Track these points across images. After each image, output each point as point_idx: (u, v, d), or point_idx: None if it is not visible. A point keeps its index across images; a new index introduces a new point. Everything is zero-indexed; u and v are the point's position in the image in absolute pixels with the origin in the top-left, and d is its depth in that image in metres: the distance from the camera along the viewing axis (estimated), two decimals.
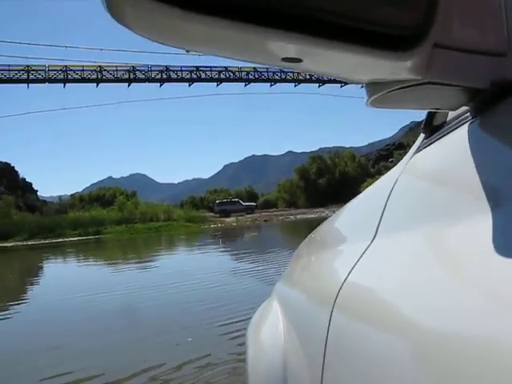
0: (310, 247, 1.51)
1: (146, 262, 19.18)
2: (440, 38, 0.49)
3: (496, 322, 0.38)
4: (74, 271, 18.45)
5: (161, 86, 58.46)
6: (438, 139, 0.78)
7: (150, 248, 27.74)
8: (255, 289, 9.88)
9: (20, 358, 6.26)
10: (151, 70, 57.12)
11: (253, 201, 68.87)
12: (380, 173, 60.29)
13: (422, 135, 0.92)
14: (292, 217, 47.58)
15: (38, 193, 77.22)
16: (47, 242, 36.48)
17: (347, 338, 0.71)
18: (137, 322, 8.27)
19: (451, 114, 0.75)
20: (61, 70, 53.43)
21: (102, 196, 63.83)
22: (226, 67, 58.77)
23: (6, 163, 73.72)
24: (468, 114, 0.63)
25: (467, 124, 0.62)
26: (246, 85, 61.93)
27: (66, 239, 38.10)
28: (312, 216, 44.62)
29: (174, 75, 58.28)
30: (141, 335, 7.01)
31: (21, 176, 74.27)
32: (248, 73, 60.03)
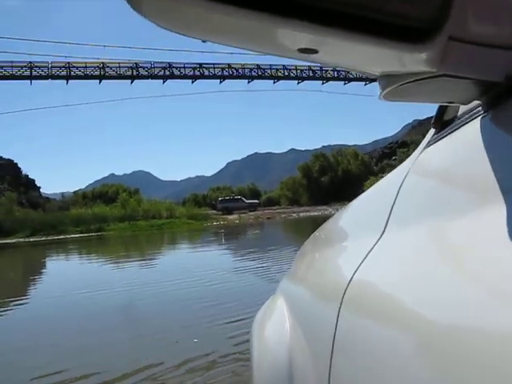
0: (316, 244, 1.50)
1: (147, 259, 19.15)
2: (455, 30, 0.49)
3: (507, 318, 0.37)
4: (76, 268, 18.44)
5: (164, 82, 58.38)
6: (448, 134, 0.77)
7: (152, 245, 27.76)
8: (256, 287, 9.85)
9: (15, 356, 6.21)
10: (154, 67, 56.86)
11: (255, 198, 68.76)
12: (383, 171, 60.19)
13: (433, 130, 0.91)
14: (295, 214, 47.52)
15: (41, 189, 77.05)
16: (49, 238, 36.46)
17: (356, 335, 0.70)
18: (136, 319, 8.21)
19: (462, 109, 0.75)
20: (63, 66, 53.18)
21: (104, 193, 63.78)
22: (229, 64, 58.66)
23: (8, 160, 73.72)
24: (480, 108, 0.63)
25: (479, 118, 0.62)
26: (249, 82, 61.73)
27: (68, 236, 38.04)
28: (315, 214, 44.56)
29: (176, 72, 57.95)
30: (140, 332, 6.95)
31: (24, 173, 74.22)
32: (251, 70, 59.87)
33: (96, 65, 54.74)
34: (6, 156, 74.96)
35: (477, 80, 0.55)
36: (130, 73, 56.23)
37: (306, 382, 1.01)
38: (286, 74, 61.77)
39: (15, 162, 74.71)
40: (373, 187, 1.21)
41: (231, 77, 59.71)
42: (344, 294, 0.78)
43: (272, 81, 62.67)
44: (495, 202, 0.49)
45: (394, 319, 0.58)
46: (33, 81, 53.25)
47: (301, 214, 46.77)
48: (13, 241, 36.49)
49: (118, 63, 55.69)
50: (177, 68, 57.66)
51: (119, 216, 45.94)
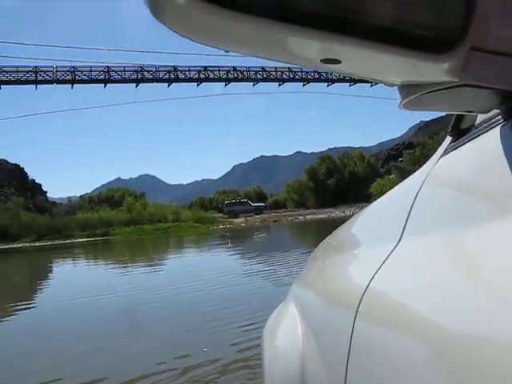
0: (329, 249, 1.48)
1: (152, 263, 19.10)
2: (477, 40, 0.49)
3: None
4: (80, 272, 18.39)
5: (169, 86, 58.40)
6: (466, 142, 0.76)
7: (158, 249, 27.69)
8: (263, 291, 9.74)
9: (19, 360, 6.16)
10: (159, 70, 56.85)
11: (262, 201, 68.79)
12: (390, 172, 60.00)
13: (449, 138, 0.90)
14: (301, 217, 47.36)
15: (48, 194, 77.56)
16: (55, 243, 36.53)
17: (373, 345, 0.70)
18: (139, 325, 8.11)
19: (480, 117, 0.75)
20: (68, 70, 53.33)
21: (110, 197, 63.94)
22: (234, 67, 58.61)
23: (15, 165, 74.07)
24: (499, 116, 0.63)
25: (498, 127, 0.62)
26: (254, 84, 61.67)
27: (74, 240, 38.08)
28: (322, 216, 44.42)
29: (181, 75, 57.94)
30: (142, 338, 6.87)
31: (30, 177, 74.64)
32: (256, 72, 59.78)
33: (101, 69, 54.88)
34: (12, 161, 75.51)
35: (497, 89, 0.55)
36: (134, 76, 56.23)
37: None
38: (292, 76, 61.64)
39: (22, 166, 75.09)
40: (387, 194, 1.18)
41: (236, 80, 59.60)
42: (360, 302, 0.78)
43: (277, 83, 62.61)
44: None
45: (411, 329, 0.57)
46: (38, 85, 53.52)
47: (307, 217, 46.61)
48: (19, 245, 36.57)
49: (123, 67, 55.78)
50: (182, 71, 57.59)
51: (125, 220, 45.94)
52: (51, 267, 21.76)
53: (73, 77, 53.65)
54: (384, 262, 0.79)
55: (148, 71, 56.60)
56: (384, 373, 0.63)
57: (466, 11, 0.48)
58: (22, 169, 74.66)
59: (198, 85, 59.54)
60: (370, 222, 1.28)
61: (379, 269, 0.79)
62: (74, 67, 53.38)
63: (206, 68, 57.68)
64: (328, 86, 65.54)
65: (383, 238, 0.91)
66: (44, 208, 61.55)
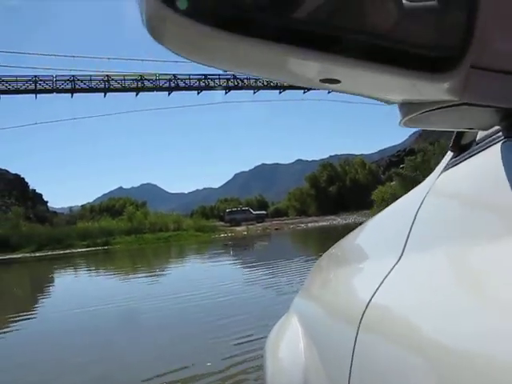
0: (331, 262, 1.47)
1: (153, 272, 18.95)
2: (477, 59, 0.49)
3: None
4: (80, 283, 18.38)
5: (169, 94, 58.30)
6: (467, 158, 0.77)
7: (158, 258, 27.63)
8: (263, 300, 9.69)
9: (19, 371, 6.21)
10: (159, 79, 56.79)
11: (263, 209, 68.50)
12: (391, 179, 59.83)
13: (450, 153, 0.91)
14: (303, 225, 47.22)
15: (49, 204, 77.27)
16: (55, 253, 36.49)
17: (375, 361, 0.70)
18: (139, 335, 8.06)
19: (481, 133, 0.75)
20: (68, 79, 53.23)
21: (112, 206, 63.73)
22: (234, 75, 58.46)
23: (15, 174, 73.96)
24: (499, 133, 0.63)
25: (499, 144, 0.62)
26: (254, 92, 61.68)
27: (74, 250, 37.95)
28: (324, 224, 44.30)
29: (182, 83, 57.81)
30: (142, 348, 6.85)
31: (31, 187, 74.45)
32: (257, 80, 59.70)
33: (101, 77, 54.80)
34: (13, 171, 75.32)
35: (497, 107, 0.55)
36: (135, 85, 56.09)
37: None
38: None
39: (22, 176, 74.91)
40: (389, 207, 1.18)
41: (236, 88, 59.56)
42: (362, 317, 0.78)
43: (278, 91, 62.59)
44: None
45: (413, 345, 0.57)
46: (38, 94, 53.37)
47: (309, 225, 46.47)
48: (19, 256, 36.46)
49: (123, 76, 55.65)
50: (182, 79, 57.47)
51: (126, 229, 45.82)
52: (51, 278, 21.68)
53: (73, 86, 53.58)
54: (386, 276, 0.79)
55: (148, 80, 56.49)
56: None
57: (466, 30, 0.48)
58: (23, 179, 74.57)
59: (198, 93, 59.52)
60: (372, 235, 1.27)
61: (381, 283, 0.79)
62: (73, 76, 53.30)
63: (206, 76, 57.58)
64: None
65: (385, 253, 0.92)
66: (45, 218, 61.40)
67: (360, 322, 0.78)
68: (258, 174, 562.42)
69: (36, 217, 60.91)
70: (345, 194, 66.79)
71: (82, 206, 73.17)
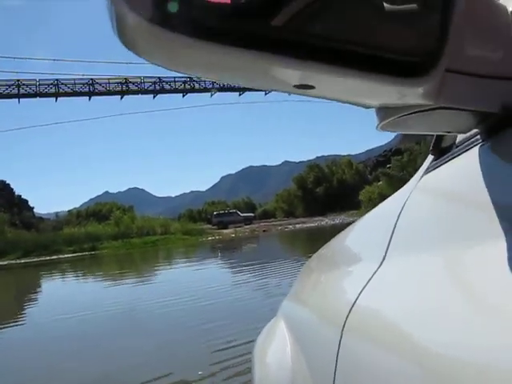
0: (318, 266, 1.48)
1: (139, 277, 18.82)
2: (452, 62, 0.50)
3: (508, 351, 0.38)
4: (64, 289, 18.26)
5: (154, 97, 58.01)
6: (447, 161, 0.77)
7: (145, 263, 27.49)
8: (250, 303, 9.58)
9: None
10: (144, 82, 56.42)
11: (251, 211, 68.46)
12: (378, 179, 59.99)
13: (431, 156, 0.92)
14: (291, 226, 47.16)
15: (36, 210, 76.53)
16: (42, 259, 36.17)
17: (358, 364, 0.71)
18: (124, 340, 7.93)
19: (460, 136, 0.75)
20: (52, 83, 52.67)
21: (98, 211, 63.26)
22: None
23: (0, 180, 73.24)
24: (478, 136, 0.63)
25: (477, 147, 0.62)
26: (240, 94, 61.53)
27: (60, 256, 37.59)
28: (312, 225, 44.30)
29: (167, 86, 57.53)
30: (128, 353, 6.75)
31: (16, 193, 73.69)
32: None
33: (85, 81, 54.33)
34: None
35: (474, 110, 0.55)
36: (119, 88, 55.73)
37: None
38: None
39: (7, 182, 74.15)
40: (375, 209, 1.19)
41: (222, 89, 59.31)
42: (345, 321, 0.79)
43: (263, 92, 62.49)
44: (495, 229, 0.49)
45: (395, 348, 0.58)
46: (21, 99, 52.79)
47: (297, 226, 46.44)
48: (4, 263, 36.08)
49: (108, 79, 55.24)
50: (167, 82, 57.18)
51: (113, 234, 45.47)
52: (37, 285, 21.43)
53: (56, 90, 52.99)
54: (370, 279, 0.80)
55: (133, 83, 56.11)
56: None
57: (440, 34, 0.49)
58: (8, 185, 73.78)
59: (183, 95, 59.29)
60: (358, 237, 1.28)
61: (365, 287, 0.80)
62: (57, 80, 52.68)
63: (191, 78, 57.31)
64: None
65: (369, 255, 0.93)
66: (31, 224, 60.83)
67: (343, 326, 0.78)
68: (246, 176, 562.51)
69: (22, 223, 60.31)
70: (332, 194, 66.82)
71: (68, 211, 72.65)
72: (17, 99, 52.51)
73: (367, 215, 1.27)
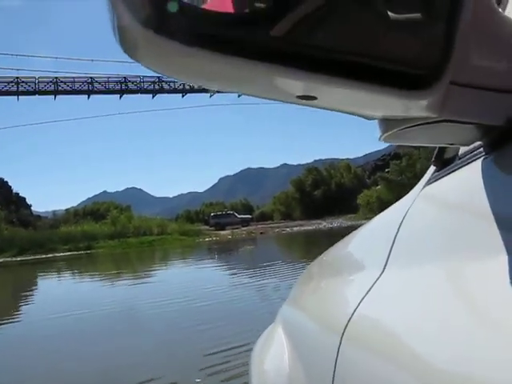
0: (318, 272, 1.48)
1: (134, 277, 18.72)
2: (456, 75, 0.49)
3: (510, 365, 0.38)
4: (60, 289, 18.06)
5: (153, 97, 57.90)
6: (449, 173, 0.77)
7: (141, 263, 27.42)
8: (245, 305, 9.50)
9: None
10: (143, 81, 56.32)
11: (248, 213, 68.36)
12: (376, 184, 59.93)
13: (433, 167, 0.92)
14: (288, 229, 47.09)
15: (33, 208, 76.59)
16: (37, 257, 36.02)
17: (355, 372, 0.71)
18: (118, 340, 7.89)
19: (463, 149, 0.74)
20: (51, 81, 52.55)
21: (96, 210, 63.19)
22: None
23: None
24: (481, 149, 0.62)
25: (480, 159, 0.62)
26: (239, 95, 61.05)
27: (56, 254, 37.48)
28: (309, 228, 44.20)
29: (166, 86, 57.47)
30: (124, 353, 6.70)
31: (14, 191, 73.62)
32: None
33: (84, 79, 54.24)
34: None
35: (477, 124, 0.55)
36: (118, 87, 55.69)
37: None
38: None
39: (5, 180, 74.04)
40: (376, 218, 1.20)
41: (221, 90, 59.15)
42: (345, 329, 0.79)
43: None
44: (497, 243, 0.49)
45: (395, 360, 0.58)
46: (20, 96, 52.69)
47: (294, 229, 46.34)
48: (0, 260, 35.85)
49: (107, 77, 55.29)
50: (166, 82, 56.97)
51: (109, 233, 45.38)
52: (32, 283, 21.35)
53: (55, 88, 52.92)
54: (370, 288, 0.80)
55: (132, 82, 56.03)
56: None
57: (445, 46, 0.48)
58: (6, 182, 73.73)
59: (182, 96, 59.22)
60: (359, 245, 1.27)
61: (365, 295, 0.80)
62: (56, 78, 52.58)
63: None
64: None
65: (370, 265, 0.93)
66: (28, 222, 60.77)
67: (342, 334, 0.78)
68: (244, 177, 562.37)
69: (19, 221, 60.22)
70: (330, 197, 66.77)
71: (66, 209, 72.58)
72: (16, 96, 52.52)
73: (368, 224, 1.26)
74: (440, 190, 0.80)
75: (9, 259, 36.69)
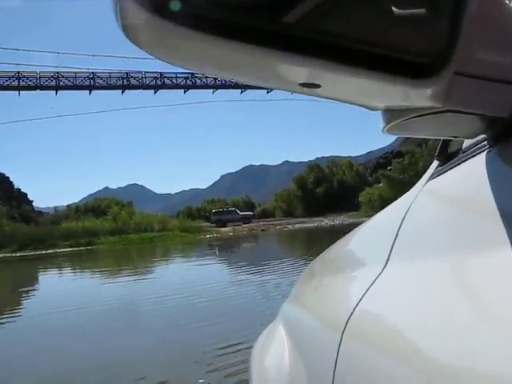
0: (319, 270, 1.48)
1: (134, 274, 18.59)
2: (461, 65, 0.49)
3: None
4: (60, 284, 17.97)
5: (155, 92, 57.76)
6: (453, 167, 0.77)
7: (141, 259, 27.35)
8: (245, 302, 9.48)
9: None
10: (145, 77, 56.00)
11: (250, 210, 68.22)
12: (378, 181, 59.78)
13: (436, 162, 0.91)
14: (290, 226, 46.97)
15: (35, 203, 76.39)
16: (37, 253, 35.98)
17: (356, 369, 0.71)
18: (117, 338, 7.78)
19: (467, 142, 0.74)
20: (52, 76, 52.19)
21: (97, 206, 63.09)
22: None
23: (0, 173, 73.04)
24: (485, 142, 0.62)
25: (484, 153, 0.61)
26: (242, 92, 61.18)
27: (57, 250, 37.39)
28: (311, 225, 44.09)
29: (168, 82, 57.17)
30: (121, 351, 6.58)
31: (16, 186, 73.53)
32: None
33: (86, 75, 53.91)
34: None
35: (482, 115, 0.54)
36: (120, 82, 55.35)
37: None
38: None
39: (7, 175, 73.96)
40: (379, 213, 1.19)
41: (224, 86, 58.95)
42: (345, 325, 0.78)
43: (265, 90, 62.08)
44: (501, 237, 0.48)
45: (397, 356, 0.58)
46: (21, 91, 52.33)
47: (296, 226, 46.24)
48: (0, 256, 35.79)
49: (109, 73, 54.88)
50: (168, 78, 56.80)
51: (110, 229, 45.24)
52: (33, 278, 21.30)
53: (57, 83, 52.53)
54: (371, 284, 0.79)
55: (134, 77, 55.76)
56: None
57: (450, 36, 0.48)
58: (8, 178, 73.64)
59: (184, 92, 58.99)
60: (361, 242, 1.26)
61: (366, 292, 0.79)
62: (57, 73, 52.19)
63: (193, 74, 56.93)
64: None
65: (372, 260, 0.92)
66: (30, 217, 60.69)
67: (343, 331, 0.78)
68: (246, 175, 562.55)
69: (21, 216, 60.12)
70: (332, 195, 66.75)
71: (67, 205, 72.51)
72: (17, 92, 52.16)
73: (371, 220, 1.24)
74: (443, 185, 0.79)
75: (8, 255, 36.58)
